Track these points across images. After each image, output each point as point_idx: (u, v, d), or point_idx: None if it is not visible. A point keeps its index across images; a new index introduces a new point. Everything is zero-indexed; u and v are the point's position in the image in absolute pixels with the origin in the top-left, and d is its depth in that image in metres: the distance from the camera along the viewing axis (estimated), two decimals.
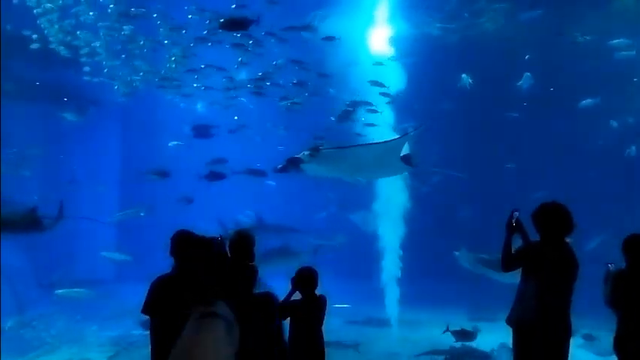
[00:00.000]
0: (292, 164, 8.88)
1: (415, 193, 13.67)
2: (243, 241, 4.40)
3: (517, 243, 4.40)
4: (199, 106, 16.79)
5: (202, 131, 14.73)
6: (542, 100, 15.24)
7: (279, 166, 8.98)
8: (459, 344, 10.00)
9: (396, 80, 14.11)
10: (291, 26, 12.27)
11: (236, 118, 15.87)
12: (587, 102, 14.92)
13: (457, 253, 12.03)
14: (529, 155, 16.26)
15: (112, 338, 10.81)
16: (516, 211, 4.37)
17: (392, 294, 13.23)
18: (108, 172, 17.92)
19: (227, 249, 4.45)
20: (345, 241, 15.39)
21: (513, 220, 4.35)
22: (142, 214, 14.28)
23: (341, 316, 12.34)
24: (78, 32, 13.23)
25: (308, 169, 9.06)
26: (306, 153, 8.89)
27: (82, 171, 16.32)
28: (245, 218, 14.77)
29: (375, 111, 12.92)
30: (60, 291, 11.44)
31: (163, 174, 13.34)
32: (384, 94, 13.00)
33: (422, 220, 13.89)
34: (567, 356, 4.24)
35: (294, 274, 4.57)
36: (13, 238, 9.82)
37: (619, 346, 4.28)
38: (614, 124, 15.23)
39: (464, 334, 10.03)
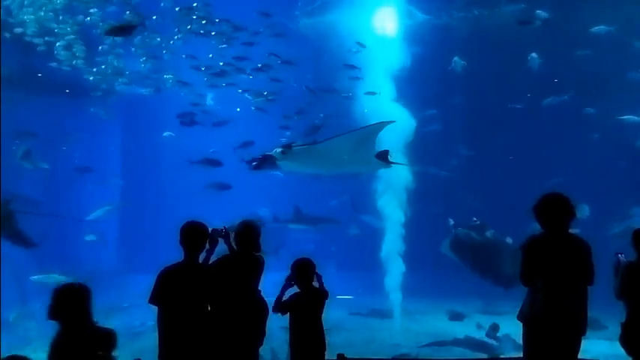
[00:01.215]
0: (265, 162, 8.93)
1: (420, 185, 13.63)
2: (249, 231, 4.37)
3: None
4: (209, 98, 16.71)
5: (187, 119, 14.71)
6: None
7: (253, 163, 8.96)
8: (462, 335, 10.00)
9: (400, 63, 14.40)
10: None
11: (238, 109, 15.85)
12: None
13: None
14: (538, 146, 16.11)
15: (115, 328, 10.76)
16: (620, 254, 4.40)
17: (397, 286, 13.24)
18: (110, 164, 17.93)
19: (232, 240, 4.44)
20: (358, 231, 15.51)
21: (620, 260, 4.35)
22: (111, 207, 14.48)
23: (345, 308, 12.36)
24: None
25: (283, 166, 9.14)
26: (278, 150, 8.91)
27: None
28: (264, 213, 14.93)
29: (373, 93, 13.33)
30: (35, 277, 11.33)
31: (215, 163, 13.37)
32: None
33: (426, 212, 13.90)
34: (578, 352, 4.18)
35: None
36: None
37: (626, 337, 4.22)
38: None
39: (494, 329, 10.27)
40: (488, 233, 11.50)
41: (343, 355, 4.98)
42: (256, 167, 8.95)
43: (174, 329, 3.98)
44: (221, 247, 4.41)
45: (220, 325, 4.15)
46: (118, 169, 18.21)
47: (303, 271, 4.41)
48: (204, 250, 4.29)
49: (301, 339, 4.33)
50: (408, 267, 13.06)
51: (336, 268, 14.42)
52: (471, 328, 11.08)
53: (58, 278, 10.74)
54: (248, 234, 4.36)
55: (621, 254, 4.37)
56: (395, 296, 12.88)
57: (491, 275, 11.30)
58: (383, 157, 9.49)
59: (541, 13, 14.19)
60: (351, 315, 12.30)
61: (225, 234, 4.40)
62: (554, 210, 4.13)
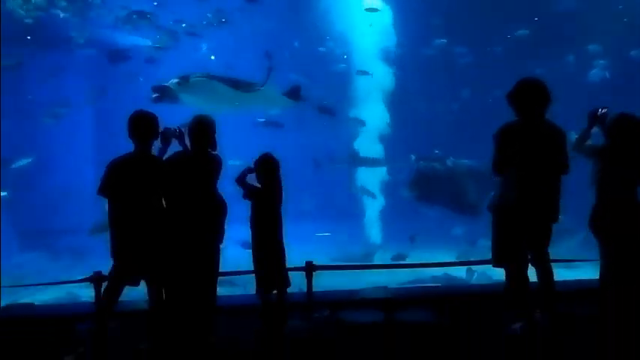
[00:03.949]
0: (163, 93, 8.76)
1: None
2: (203, 127, 4.09)
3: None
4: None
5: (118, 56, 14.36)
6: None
7: (153, 96, 8.77)
8: (440, 273, 9.99)
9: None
10: None
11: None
12: None
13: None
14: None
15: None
16: (605, 108, 4.18)
17: (378, 234, 13.21)
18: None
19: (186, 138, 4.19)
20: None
21: (600, 111, 4.15)
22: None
23: (325, 255, 12.24)
24: None
25: (183, 99, 8.96)
26: (174, 81, 8.74)
27: None
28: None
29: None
30: None
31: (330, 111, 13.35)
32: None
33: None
34: (549, 239, 4.06)
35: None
36: None
37: (595, 220, 4.13)
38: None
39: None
40: (449, 162, 11.43)
41: (312, 262, 4.84)
42: (157, 99, 8.72)
43: (126, 223, 3.76)
44: None
45: (177, 222, 3.93)
46: None
47: (266, 167, 4.22)
48: (158, 150, 4.06)
49: (263, 235, 4.17)
50: (390, 214, 13.04)
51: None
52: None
53: None
54: (202, 130, 4.08)
55: (604, 108, 4.19)
56: (378, 243, 12.90)
57: (457, 204, 11.26)
58: (294, 94, 9.56)
59: None
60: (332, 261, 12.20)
61: (179, 134, 4.15)
62: (530, 95, 3.95)
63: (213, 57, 16.34)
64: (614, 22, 13.89)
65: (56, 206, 14.16)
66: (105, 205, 3.87)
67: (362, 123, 13.99)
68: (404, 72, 14.55)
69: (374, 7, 13.72)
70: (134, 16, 13.68)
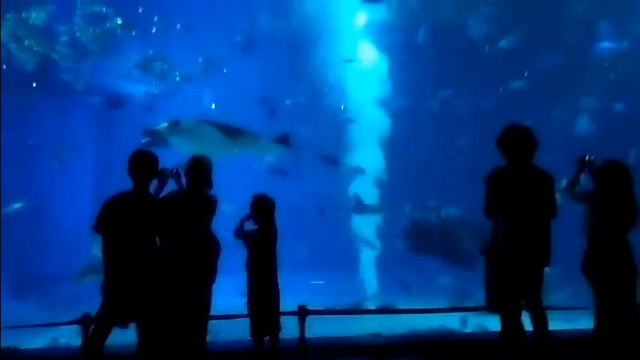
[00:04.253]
0: (154, 137, 8.76)
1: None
2: (199, 166, 4.15)
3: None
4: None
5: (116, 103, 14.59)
6: None
7: (143, 140, 8.78)
8: (437, 325, 9.81)
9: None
10: None
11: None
12: None
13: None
14: None
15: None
16: (593, 154, 4.29)
17: (373, 282, 13.06)
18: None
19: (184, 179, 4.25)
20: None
21: (588, 157, 4.26)
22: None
23: (319, 303, 12.02)
24: None
25: (174, 143, 8.91)
26: (165, 125, 8.73)
27: None
28: None
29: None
30: None
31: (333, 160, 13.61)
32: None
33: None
34: (541, 284, 4.06)
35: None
36: None
37: (587, 265, 4.13)
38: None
39: None
40: (443, 213, 11.48)
41: (304, 306, 4.80)
42: (147, 144, 8.60)
43: (119, 260, 3.74)
44: None
45: (170, 261, 3.92)
46: None
47: (261, 207, 4.26)
48: (154, 189, 4.11)
49: (259, 278, 4.15)
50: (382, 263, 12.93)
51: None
52: (448, 319, 10.88)
53: None
54: (199, 169, 4.13)
55: (592, 156, 4.29)
56: (371, 292, 12.71)
57: (451, 255, 11.21)
58: (283, 140, 9.73)
59: None
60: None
61: (176, 173, 4.21)
62: (517, 141, 4.06)
63: (213, 105, 16.69)
64: (601, 77, 14.40)
65: (50, 252, 14.00)
66: (93, 250, 3.87)
67: (362, 171, 14.13)
68: (400, 120, 14.88)
69: (351, 58, 14.46)
70: (150, 63, 14.04)
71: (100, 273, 3.82)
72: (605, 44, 14.15)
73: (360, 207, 13.72)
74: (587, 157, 4.29)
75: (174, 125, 8.77)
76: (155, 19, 13.74)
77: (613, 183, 4.13)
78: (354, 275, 13.65)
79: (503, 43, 14.44)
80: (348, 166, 14.35)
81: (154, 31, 13.83)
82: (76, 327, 4.90)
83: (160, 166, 4.07)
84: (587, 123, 14.43)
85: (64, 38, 13.42)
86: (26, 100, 13.05)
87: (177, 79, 14.74)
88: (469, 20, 14.93)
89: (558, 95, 14.80)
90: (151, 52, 14.46)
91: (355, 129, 14.60)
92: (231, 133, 9.26)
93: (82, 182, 15.12)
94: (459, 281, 12.32)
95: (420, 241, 11.86)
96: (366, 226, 13.83)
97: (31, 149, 14.31)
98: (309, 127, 15.74)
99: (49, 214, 14.31)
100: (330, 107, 15.95)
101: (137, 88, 15.19)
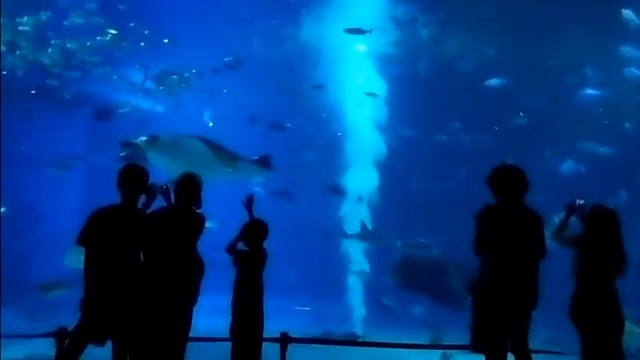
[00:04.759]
0: (131, 150, 8.46)
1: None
2: (189, 183, 4.12)
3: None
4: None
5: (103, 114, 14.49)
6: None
7: (122, 154, 8.58)
8: None
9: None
10: None
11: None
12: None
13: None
14: None
15: None
16: (583, 200, 4.30)
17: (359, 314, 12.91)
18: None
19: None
20: None
21: (577, 202, 4.26)
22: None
23: (302, 331, 11.83)
24: None
25: (151, 158, 8.48)
26: (143, 139, 8.39)
27: None
28: None
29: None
30: None
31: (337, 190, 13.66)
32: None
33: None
34: (528, 326, 4.01)
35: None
36: None
37: (575, 311, 4.09)
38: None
39: None
40: (435, 251, 11.41)
41: (287, 333, 4.71)
42: (125, 158, 8.35)
43: (100, 274, 3.67)
44: None
45: (152, 279, 3.85)
46: None
47: (254, 231, 4.24)
48: (142, 204, 4.06)
49: (245, 301, 4.10)
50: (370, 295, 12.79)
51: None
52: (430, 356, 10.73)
53: None
54: (188, 186, 4.10)
55: (582, 201, 4.28)
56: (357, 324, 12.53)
57: (440, 295, 11.06)
58: (264, 163, 9.28)
59: None
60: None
61: (165, 190, 4.17)
62: (508, 180, 4.08)
63: (211, 124, 16.70)
64: (591, 121, 14.77)
65: (34, 260, 13.73)
66: (65, 260, 3.80)
67: (360, 199, 14.09)
68: (397, 150, 14.99)
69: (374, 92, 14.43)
70: (168, 76, 14.01)
71: (66, 287, 3.75)
72: (590, 90, 14.53)
73: (367, 234, 13.63)
74: (576, 202, 4.31)
75: (154, 139, 8.37)
76: (146, 32, 13.69)
77: (602, 228, 4.14)
78: (341, 302, 13.47)
79: (499, 82, 14.75)
80: (350, 194, 14.31)
81: (142, 44, 13.75)
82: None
83: (149, 182, 4.04)
84: (575, 165, 14.71)
85: (55, 46, 13.37)
86: (19, 108, 12.95)
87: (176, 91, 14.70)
88: (471, 60, 15.21)
89: (549, 136, 15.10)
90: (139, 66, 14.49)
91: (352, 152, 14.59)
92: (214, 151, 8.69)
93: (68, 191, 14.99)
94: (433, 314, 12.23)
95: (408, 278, 11.70)
96: (356, 252, 13.70)
97: (17, 156, 14.20)
98: (308, 151, 15.91)
99: (34, 222, 14.11)
100: (328, 132, 16.05)
101: (128, 99, 15.18)
